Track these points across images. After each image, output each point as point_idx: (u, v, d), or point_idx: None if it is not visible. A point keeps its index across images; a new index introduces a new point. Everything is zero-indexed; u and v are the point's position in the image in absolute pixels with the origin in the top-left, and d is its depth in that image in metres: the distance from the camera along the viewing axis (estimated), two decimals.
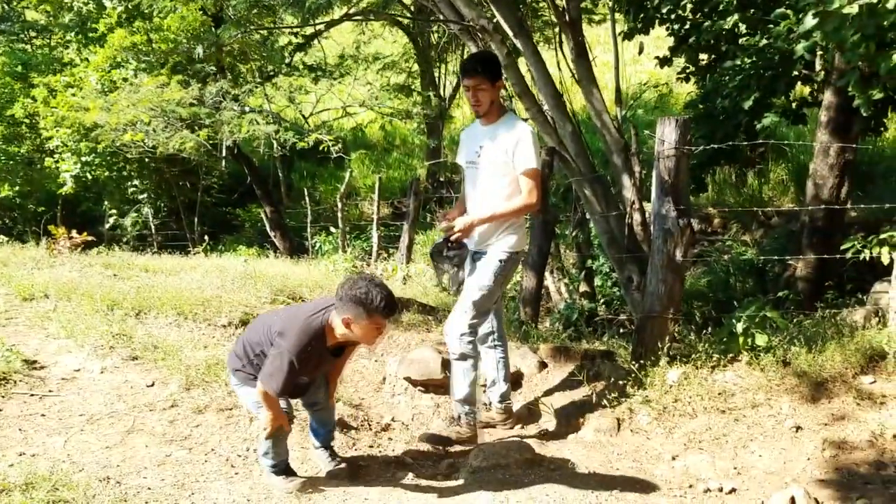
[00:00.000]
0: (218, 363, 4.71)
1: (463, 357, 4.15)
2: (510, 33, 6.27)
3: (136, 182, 15.43)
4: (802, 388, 4.13)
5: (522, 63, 6.69)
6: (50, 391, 4.36)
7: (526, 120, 7.37)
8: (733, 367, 4.43)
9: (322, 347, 3.34)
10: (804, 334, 4.61)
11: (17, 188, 15.23)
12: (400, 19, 15.87)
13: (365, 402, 4.89)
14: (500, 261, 4.10)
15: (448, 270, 4.18)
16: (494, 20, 6.30)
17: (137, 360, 4.81)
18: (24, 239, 11.46)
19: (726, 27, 8.59)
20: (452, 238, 4.09)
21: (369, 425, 4.54)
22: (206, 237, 14.69)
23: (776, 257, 8.46)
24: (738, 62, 8.46)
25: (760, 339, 4.43)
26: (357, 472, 3.87)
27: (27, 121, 14.78)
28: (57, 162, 14.50)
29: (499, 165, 4.07)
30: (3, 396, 4.18)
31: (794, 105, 9.06)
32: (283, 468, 3.63)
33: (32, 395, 4.27)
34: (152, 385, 4.51)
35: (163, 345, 5.01)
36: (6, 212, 16.41)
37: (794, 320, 5.04)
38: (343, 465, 3.81)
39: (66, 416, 4.09)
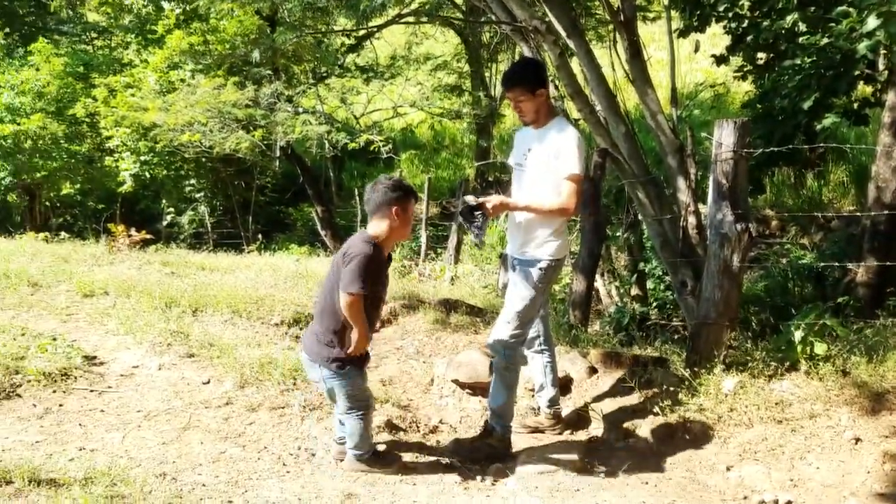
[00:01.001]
0: (271, 362, 4.79)
1: (505, 368, 4.08)
2: (563, 33, 6.20)
3: (192, 181, 15.77)
4: (862, 399, 4.00)
5: (575, 63, 6.62)
6: (109, 387, 4.49)
7: (577, 121, 7.33)
8: (791, 376, 4.31)
9: (382, 254, 3.66)
10: (864, 343, 4.47)
11: (77, 186, 15.66)
12: (452, 20, 15.88)
13: (413, 403, 4.91)
14: (542, 269, 4.02)
15: (473, 231, 4.11)
16: (547, 20, 6.24)
17: (194, 357, 4.92)
18: (84, 236, 11.83)
19: (785, 26, 8.37)
20: (483, 210, 3.99)
21: (417, 427, 4.55)
22: (259, 236, 14.94)
23: (836, 263, 8.23)
24: (798, 61, 8.24)
25: (819, 348, 4.30)
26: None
27: (88, 120, 15.17)
28: (116, 161, 14.88)
29: (544, 169, 4.02)
30: (64, 392, 4.32)
31: (855, 105, 8.79)
32: (372, 455, 3.78)
33: (92, 390, 4.40)
34: (208, 382, 4.61)
35: (218, 343, 5.11)
36: (67, 209, 16.93)
37: (855, 328, 4.89)
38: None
39: (125, 411, 4.20)
